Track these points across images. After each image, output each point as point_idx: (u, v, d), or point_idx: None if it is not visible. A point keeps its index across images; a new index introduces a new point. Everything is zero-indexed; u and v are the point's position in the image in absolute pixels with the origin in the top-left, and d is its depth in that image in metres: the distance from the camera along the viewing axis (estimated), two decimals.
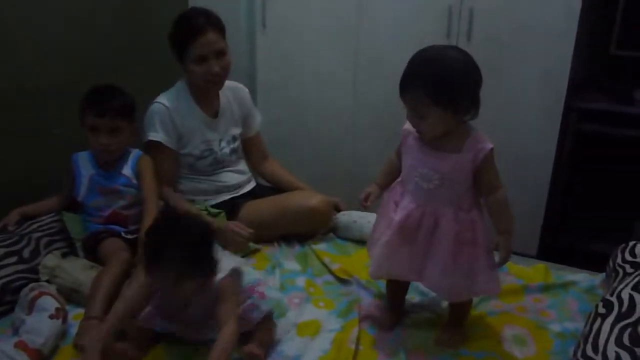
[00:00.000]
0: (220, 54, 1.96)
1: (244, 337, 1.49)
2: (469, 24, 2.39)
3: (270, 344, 1.53)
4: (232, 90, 2.15)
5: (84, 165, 1.90)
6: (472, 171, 1.40)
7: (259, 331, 1.52)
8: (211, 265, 1.43)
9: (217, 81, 2.00)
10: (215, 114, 2.08)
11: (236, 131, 2.17)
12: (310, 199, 2.09)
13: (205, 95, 2.04)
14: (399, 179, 1.54)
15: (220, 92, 2.09)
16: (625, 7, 2.41)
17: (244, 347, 1.47)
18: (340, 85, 2.72)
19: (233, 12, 2.81)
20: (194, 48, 1.91)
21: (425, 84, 1.32)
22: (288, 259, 2.00)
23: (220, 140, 2.09)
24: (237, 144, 2.17)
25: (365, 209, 1.59)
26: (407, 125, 1.46)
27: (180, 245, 1.36)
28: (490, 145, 1.39)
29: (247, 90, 2.23)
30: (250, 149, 2.26)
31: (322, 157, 2.84)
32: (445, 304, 1.69)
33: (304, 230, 2.11)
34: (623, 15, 2.42)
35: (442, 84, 1.32)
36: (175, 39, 1.96)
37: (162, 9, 2.46)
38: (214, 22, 1.95)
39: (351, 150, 2.76)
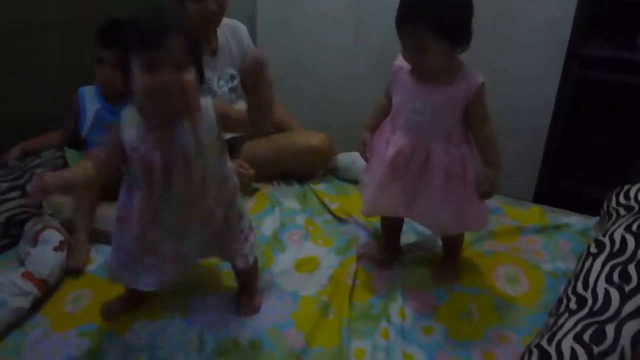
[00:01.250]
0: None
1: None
2: None
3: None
4: (230, 28, 2.12)
5: (90, 99, 1.90)
6: (463, 104, 1.42)
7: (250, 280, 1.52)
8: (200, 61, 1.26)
9: (214, 20, 1.97)
10: (213, 52, 2.06)
11: (234, 70, 2.15)
12: (310, 137, 2.10)
13: (203, 34, 2.01)
14: (389, 117, 1.54)
15: (218, 30, 2.06)
16: None
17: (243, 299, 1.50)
18: (341, 27, 2.68)
19: None
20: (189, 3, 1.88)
21: (428, 16, 1.32)
22: (287, 198, 2.03)
23: (219, 79, 2.08)
24: (235, 82, 2.16)
25: (365, 158, 1.60)
26: (399, 61, 1.47)
27: (179, 25, 1.21)
28: (481, 79, 1.41)
29: (245, 28, 2.20)
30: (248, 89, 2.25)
31: (322, 99, 2.83)
32: (440, 242, 1.72)
33: (304, 169, 2.14)
34: None
35: (445, 14, 1.33)
36: None
37: None
38: None
39: (351, 92, 2.74)
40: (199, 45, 1.26)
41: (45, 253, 1.57)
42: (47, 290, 1.52)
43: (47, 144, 1.95)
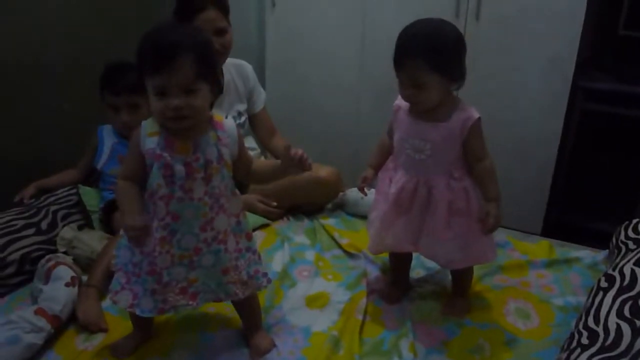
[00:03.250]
0: (221, 32, 1.96)
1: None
2: (478, 4, 2.40)
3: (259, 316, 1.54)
4: (236, 67, 2.18)
5: (108, 135, 1.96)
6: (460, 139, 1.44)
7: (250, 308, 1.51)
8: (217, 83, 1.32)
9: (218, 60, 2.01)
10: (220, 90, 2.11)
11: (241, 107, 2.20)
12: (318, 170, 2.12)
13: None
14: (392, 156, 1.58)
15: (224, 69, 2.11)
16: None
17: (253, 341, 1.49)
18: (347, 65, 2.74)
19: None
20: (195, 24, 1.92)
21: (425, 52, 1.36)
22: (297, 234, 2.04)
23: (226, 116, 2.12)
24: (243, 119, 2.20)
25: (363, 193, 1.63)
26: (398, 101, 1.51)
27: (191, 36, 1.23)
28: (477, 115, 1.44)
29: (251, 66, 2.24)
30: (257, 125, 2.29)
31: (328, 136, 2.88)
32: (449, 277, 1.73)
33: (313, 202, 2.16)
34: None
35: (440, 49, 1.38)
36: (177, 16, 1.97)
37: None
38: (216, 0, 1.96)
39: (356, 129, 2.78)
40: (213, 57, 1.27)
41: (57, 289, 1.58)
42: (60, 326, 1.52)
43: (62, 182, 1.99)
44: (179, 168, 1.26)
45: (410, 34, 1.41)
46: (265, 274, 1.47)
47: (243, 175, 1.44)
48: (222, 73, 2.12)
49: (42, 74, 2.12)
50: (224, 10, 1.99)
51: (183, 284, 1.35)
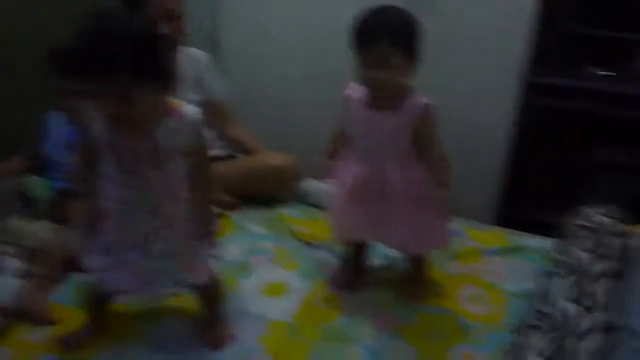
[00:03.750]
0: (172, 16, 1.88)
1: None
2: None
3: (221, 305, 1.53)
4: (188, 55, 2.10)
5: (56, 124, 1.89)
6: (412, 127, 1.46)
7: (210, 297, 1.49)
8: (164, 75, 1.21)
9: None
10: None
11: (194, 96, 2.12)
12: (275, 158, 2.11)
13: None
14: (347, 146, 1.58)
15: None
16: None
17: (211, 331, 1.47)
18: (303, 53, 2.73)
19: None
20: (147, 6, 1.83)
21: (393, 31, 1.38)
22: (255, 223, 2.02)
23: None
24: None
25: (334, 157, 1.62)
26: (349, 91, 1.52)
27: (121, 41, 1.13)
28: (425, 101, 1.45)
29: (205, 54, 2.19)
30: (212, 115, 2.21)
31: (286, 125, 2.85)
32: (406, 264, 1.75)
33: (268, 191, 2.15)
34: None
35: (406, 30, 1.41)
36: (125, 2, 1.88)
37: None
38: None
39: (315, 119, 2.77)
40: (158, 50, 1.19)
41: (4, 281, 1.53)
42: (7, 318, 1.46)
43: (5, 171, 1.90)
44: (126, 153, 1.24)
45: (376, 14, 1.42)
46: (218, 260, 1.44)
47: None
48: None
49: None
50: None
51: (138, 269, 1.32)
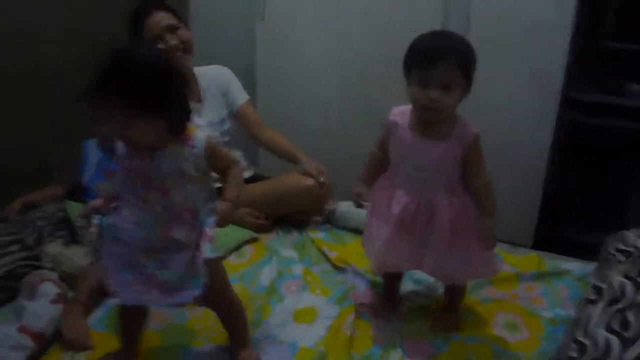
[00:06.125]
0: (173, 28, 1.98)
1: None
2: (467, 17, 2.41)
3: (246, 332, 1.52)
4: (210, 72, 2.17)
5: (93, 150, 1.96)
6: (461, 156, 1.44)
7: (234, 322, 1.49)
8: (175, 107, 1.23)
9: (179, 55, 1.99)
10: (198, 99, 2.10)
11: (223, 111, 2.18)
12: (305, 179, 2.12)
13: None
14: (385, 174, 1.56)
15: (199, 77, 2.12)
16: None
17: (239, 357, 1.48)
18: (333, 79, 2.75)
19: (232, 4, 2.85)
20: (146, 32, 1.94)
21: (460, 55, 1.38)
22: (285, 247, 2.03)
23: (210, 124, 2.11)
24: (226, 127, 2.19)
25: (361, 207, 1.61)
26: (393, 117, 1.49)
27: (131, 68, 1.17)
28: (476, 130, 1.43)
29: (226, 68, 2.24)
30: (243, 121, 2.25)
31: (317, 149, 2.85)
32: (439, 290, 1.72)
33: (300, 210, 2.16)
34: (617, 8, 2.44)
35: (468, 54, 1.40)
36: (130, 26, 1.98)
37: None
38: (160, 4, 1.99)
39: (344, 142, 2.78)
40: (165, 84, 1.21)
41: (42, 306, 1.56)
42: (44, 344, 1.51)
43: (48, 197, 1.98)
44: (137, 177, 1.27)
45: (439, 36, 1.43)
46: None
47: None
48: (195, 79, 2.11)
49: (39, 79, 2.11)
50: (171, 11, 2.01)
51: (156, 281, 1.33)
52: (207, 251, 1.31)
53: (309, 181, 2.11)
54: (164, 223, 1.29)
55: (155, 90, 1.19)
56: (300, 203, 2.14)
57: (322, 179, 2.09)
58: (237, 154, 2.27)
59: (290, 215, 2.18)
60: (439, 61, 1.36)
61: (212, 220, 1.33)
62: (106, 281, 1.35)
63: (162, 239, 1.30)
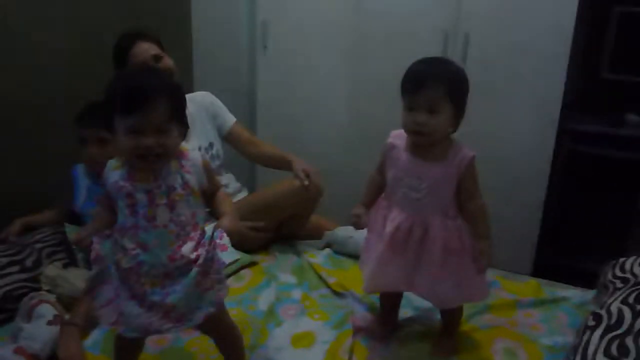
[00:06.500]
0: (157, 58, 2.02)
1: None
2: (465, 46, 2.46)
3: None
4: (193, 99, 2.19)
5: (82, 176, 1.98)
6: (456, 178, 1.46)
7: (232, 347, 1.48)
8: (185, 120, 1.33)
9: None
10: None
11: (210, 136, 2.21)
12: (295, 180, 2.13)
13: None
14: (383, 194, 1.58)
15: (188, 102, 2.13)
16: (616, 31, 2.48)
17: None
18: (336, 106, 2.79)
19: (235, 34, 2.90)
20: (131, 60, 1.98)
21: (445, 78, 1.41)
22: (284, 272, 2.03)
23: (199, 148, 2.13)
24: (215, 150, 2.22)
25: (360, 228, 1.62)
26: (392, 139, 1.53)
27: (163, 78, 1.31)
28: (472, 153, 1.46)
29: (208, 93, 2.29)
30: (235, 142, 2.30)
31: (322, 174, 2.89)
32: (437, 317, 1.71)
33: (295, 214, 2.19)
34: (614, 40, 2.49)
35: (457, 80, 1.44)
36: (115, 56, 2.03)
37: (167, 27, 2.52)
38: (143, 35, 2.03)
39: (345, 168, 2.80)
40: (184, 99, 1.32)
41: (39, 327, 1.55)
42: None
43: (47, 220, 1.98)
44: (141, 195, 1.27)
45: (430, 62, 1.46)
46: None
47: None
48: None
49: (33, 111, 2.13)
50: (154, 40, 2.06)
51: (164, 309, 1.30)
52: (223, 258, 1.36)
53: (298, 182, 2.13)
54: (172, 241, 1.29)
55: (182, 100, 1.31)
56: (293, 204, 2.15)
57: (306, 182, 2.10)
58: (229, 177, 2.29)
59: (287, 222, 2.20)
60: (424, 85, 1.40)
61: (218, 233, 1.34)
62: (103, 312, 1.33)
63: (168, 260, 1.29)
